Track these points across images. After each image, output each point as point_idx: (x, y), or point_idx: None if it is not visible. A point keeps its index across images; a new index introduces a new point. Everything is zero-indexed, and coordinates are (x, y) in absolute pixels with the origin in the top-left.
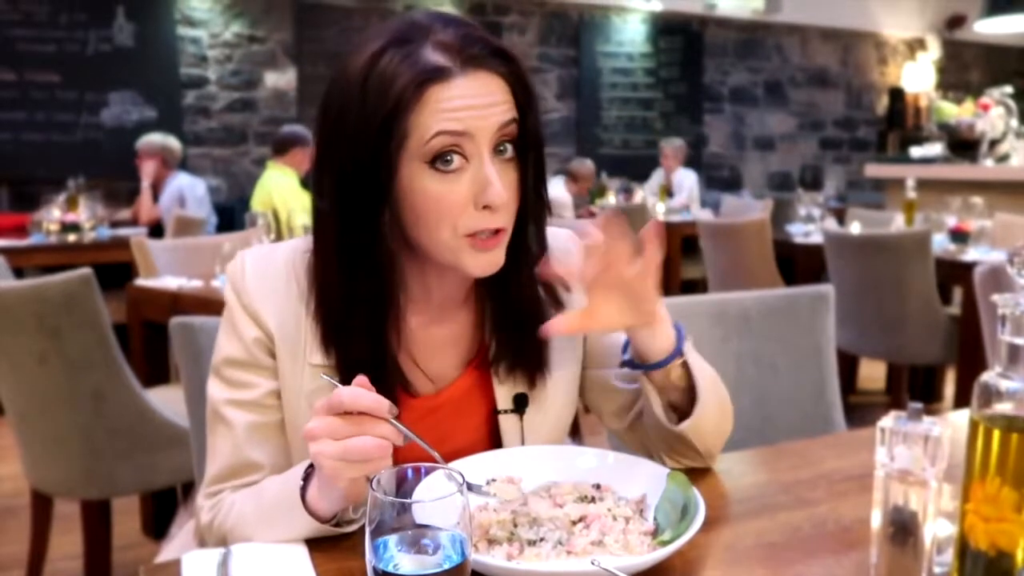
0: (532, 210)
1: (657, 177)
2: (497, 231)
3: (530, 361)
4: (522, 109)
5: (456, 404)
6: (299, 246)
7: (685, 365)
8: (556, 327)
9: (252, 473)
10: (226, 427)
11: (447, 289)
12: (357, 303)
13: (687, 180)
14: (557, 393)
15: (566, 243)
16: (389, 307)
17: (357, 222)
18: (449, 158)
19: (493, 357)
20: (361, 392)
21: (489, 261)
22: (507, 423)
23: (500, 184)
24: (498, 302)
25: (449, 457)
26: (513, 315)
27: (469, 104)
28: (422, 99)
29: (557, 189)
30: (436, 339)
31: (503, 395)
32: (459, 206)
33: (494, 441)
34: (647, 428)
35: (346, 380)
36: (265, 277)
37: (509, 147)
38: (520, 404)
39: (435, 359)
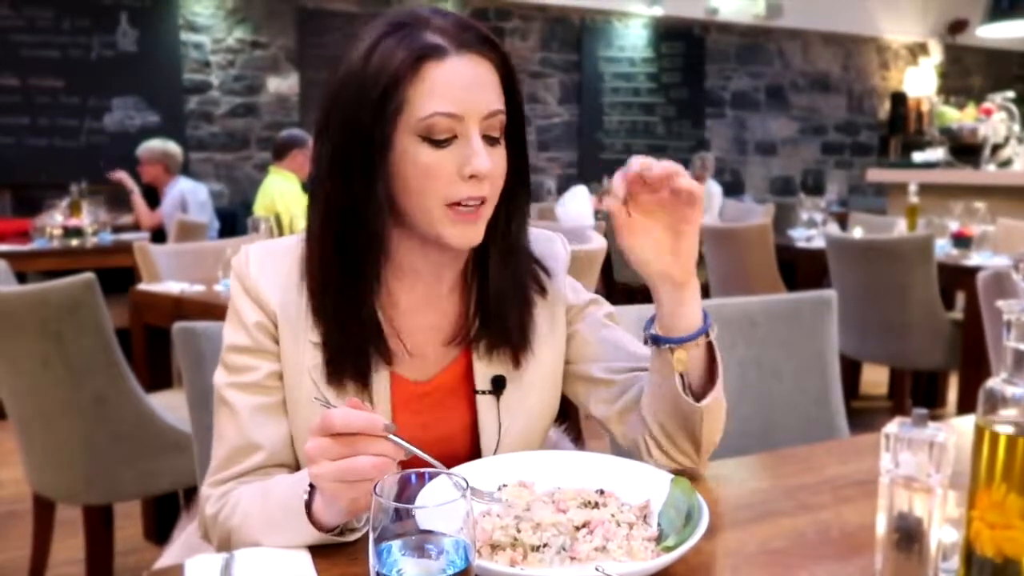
0: (513, 194)
1: None
2: (480, 203)
3: (511, 341)
4: (509, 96)
5: (446, 391)
6: (301, 237)
7: (708, 347)
8: (610, 204)
9: (254, 454)
10: (229, 410)
11: (435, 269)
12: (344, 271)
13: (715, 190)
14: (536, 378)
15: (549, 242)
16: (375, 277)
17: (350, 188)
18: (441, 134)
19: (474, 336)
20: (352, 413)
21: (468, 233)
22: (484, 404)
23: (486, 155)
24: (481, 285)
25: (438, 445)
26: (495, 297)
27: (462, 85)
28: (419, 74)
29: (582, 204)
30: (425, 323)
31: (482, 377)
32: (446, 175)
33: (474, 425)
34: (645, 415)
35: (333, 356)
36: (267, 262)
37: (497, 133)
38: (498, 386)
39: (424, 343)
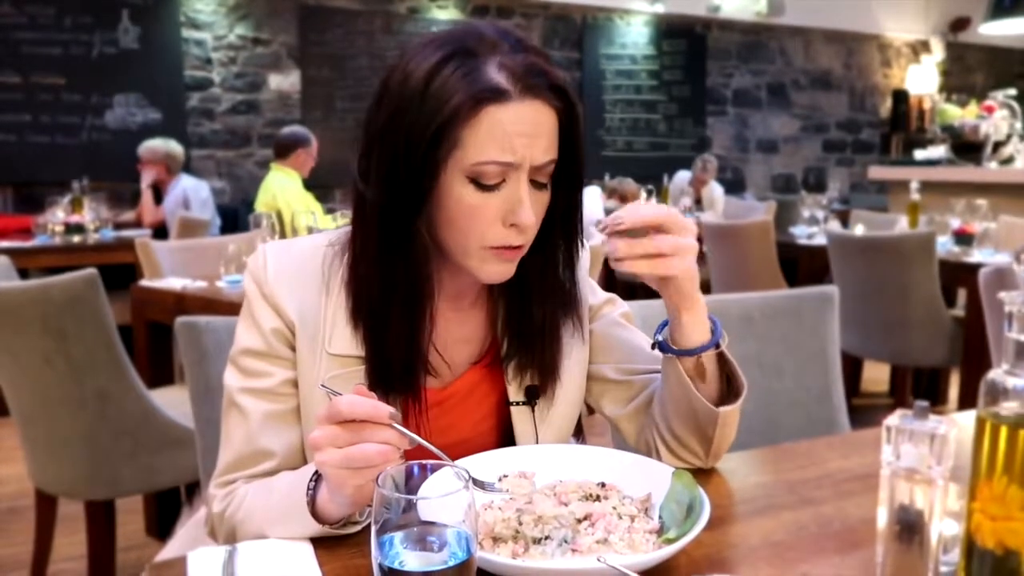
0: (561, 233)
1: (680, 183)
2: (518, 247)
3: (543, 365)
4: (566, 145)
5: (463, 397)
6: (319, 240)
7: (720, 357)
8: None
9: (264, 461)
10: (240, 415)
11: (459, 286)
12: (394, 294)
13: (718, 193)
14: (568, 385)
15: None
16: (424, 300)
17: (398, 216)
18: (491, 179)
19: (505, 355)
20: (358, 400)
21: (503, 272)
22: (519, 415)
23: (530, 208)
24: (515, 306)
25: (454, 448)
26: (529, 322)
27: (520, 132)
28: (477, 116)
29: (593, 203)
30: (449, 333)
31: (514, 387)
32: (489, 220)
33: (501, 433)
34: (656, 417)
35: (373, 370)
36: (286, 268)
37: (545, 180)
38: (532, 395)
39: (448, 352)
